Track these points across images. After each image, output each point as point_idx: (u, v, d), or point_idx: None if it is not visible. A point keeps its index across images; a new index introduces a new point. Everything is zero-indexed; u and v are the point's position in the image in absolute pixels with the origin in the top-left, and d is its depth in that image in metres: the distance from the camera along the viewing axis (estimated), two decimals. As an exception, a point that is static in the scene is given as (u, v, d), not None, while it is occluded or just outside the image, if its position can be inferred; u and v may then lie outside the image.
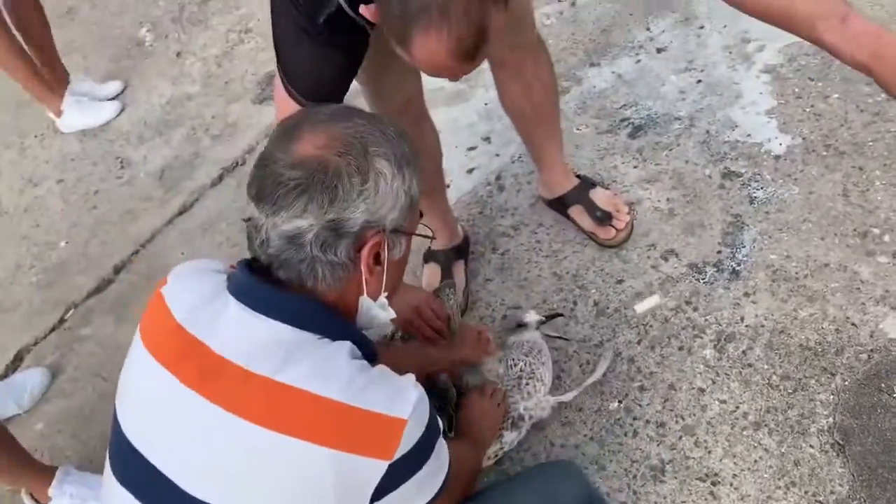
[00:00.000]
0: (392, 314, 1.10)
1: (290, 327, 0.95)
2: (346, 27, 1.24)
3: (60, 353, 2.32)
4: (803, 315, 1.69)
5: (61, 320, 2.45)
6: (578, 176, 2.05)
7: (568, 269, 1.95)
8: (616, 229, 1.93)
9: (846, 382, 1.56)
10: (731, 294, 1.77)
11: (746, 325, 1.71)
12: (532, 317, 1.71)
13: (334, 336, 0.98)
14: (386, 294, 1.07)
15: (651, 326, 1.77)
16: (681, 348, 1.72)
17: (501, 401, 1.59)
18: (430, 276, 2.00)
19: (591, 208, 1.96)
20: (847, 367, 1.58)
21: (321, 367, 0.93)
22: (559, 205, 2.03)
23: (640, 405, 1.66)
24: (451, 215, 2.04)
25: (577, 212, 1.99)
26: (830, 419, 1.52)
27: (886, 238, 1.76)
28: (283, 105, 1.35)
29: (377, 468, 0.90)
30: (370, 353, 1.03)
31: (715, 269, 1.82)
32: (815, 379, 1.58)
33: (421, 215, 1.11)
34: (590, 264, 1.94)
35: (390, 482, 0.92)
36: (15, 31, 2.93)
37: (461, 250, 2.03)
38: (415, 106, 1.74)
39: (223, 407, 0.92)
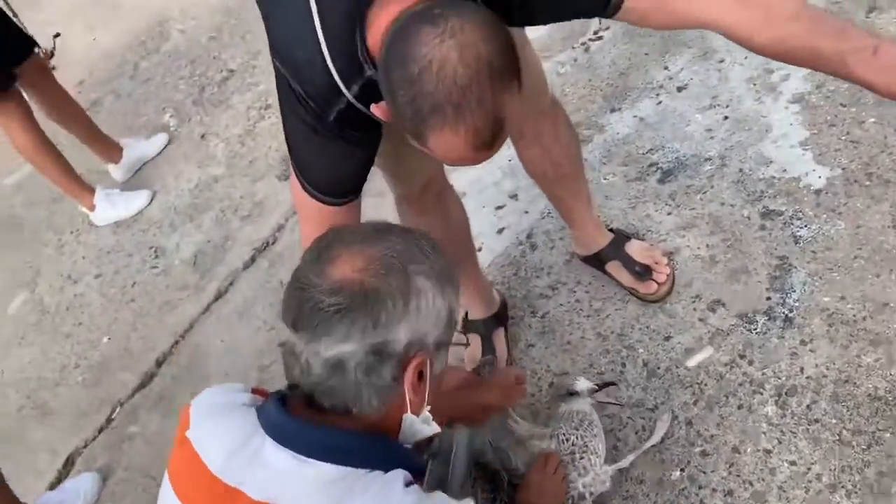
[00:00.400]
0: (436, 428, 1.07)
1: (336, 466, 0.92)
2: (358, 121, 1.22)
3: (110, 455, 2.32)
4: (868, 361, 1.60)
5: (108, 420, 2.45)
6: (612, 229, 1.99)
7: (612, 329, 1.88)
8: (657, 283, 1.87)
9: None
10: (787, 343, 1.69)
11: (807, 377, 1.62)
12: (583, 385, 1.64)
13: (383, 465, 0.95)
14: (429, 408, 1.04)
15: (706, 385, 1.70)
16: (740, 406, 1.64)
17: (563, 475, 1.52)
18: (471, 347, 1.95)
19: (629, 263, 1.91)
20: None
21: None
22: (595, 261, 1.97)
23: (703, 472, 1.58)
24: (485, 282, 2.00)
25: (614, 268, 1.93)
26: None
27: (947, 270, 1.67)
28: (301, 200, 1.33)
29: None
30: (418, 468, 1.01)
31: (766, 318, 1.75)
32: (890, 432, 1.49)
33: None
34: (634, 322, 1.87)
35: None
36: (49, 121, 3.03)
37: (500, 317, 1.98)
38: (436, 182, 1.71)
39: None
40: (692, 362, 1.74)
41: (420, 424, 1.03)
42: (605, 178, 2.24)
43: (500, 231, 2.29)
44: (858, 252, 1.77)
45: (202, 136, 3.38)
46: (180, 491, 0.97)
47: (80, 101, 3.78)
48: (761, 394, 1.64)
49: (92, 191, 3.14)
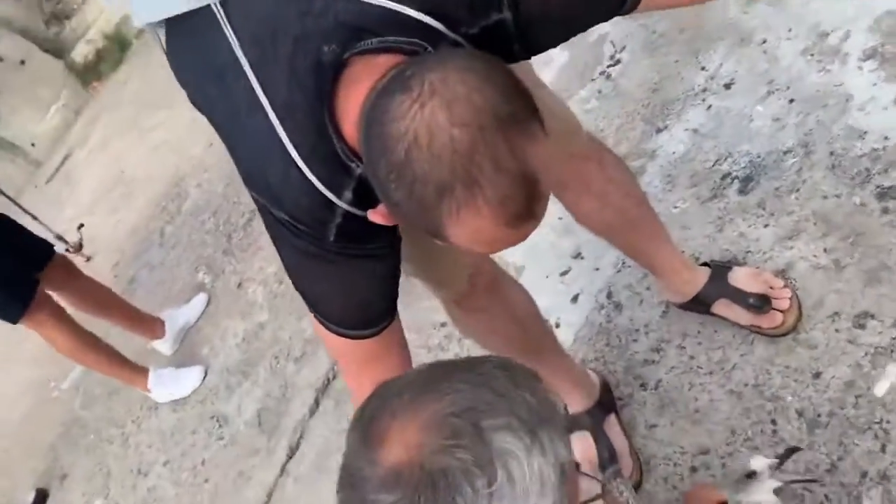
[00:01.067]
0: None
1: None
2: (365, 232, 0.98)
3: None
4: None
5: None
6: (706, 264, 1.67)
7: (745, 381, 1.54)
8: (781, 311, 1.53)
9: None
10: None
11: None
12: (761, 462, 1.27)
13: None
14: None
15: (889, 423, 1.33)
16: (946, 439, 1.27)
17: None
18: (583, 449, 1.62)
19: (740, 297, 1.57)
20: None
21: None
22: (699, 305, 1.64)
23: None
24: (576, 366, 1.69)
25: (723, 307, 1.60)
26: None
27: None
28: (328, 339, 1.09)
29: None
30: None
31: (935, 319, 1.39)
32: None
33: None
34: (769, 366, 1.52)
35: None
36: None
37: (605, 403, 1.66)
38: (485, 272, 1.43)
39: None
40: (880, 387, 1.35)
41: None
42: (675, 208, 1.93)
43: (575, 299, 1.98)
44: None
45: (238, 285, 3.21)
46: None
47: (118, 282, 3.74)
48: (967, 416, 1.27)
49: (145, 372, 2.99)
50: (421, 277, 1.36)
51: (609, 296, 1.91)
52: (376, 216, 0.91)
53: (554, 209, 2.13)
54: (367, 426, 0.73)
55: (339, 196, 0.94)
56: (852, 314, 1.48)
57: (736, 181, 1.86)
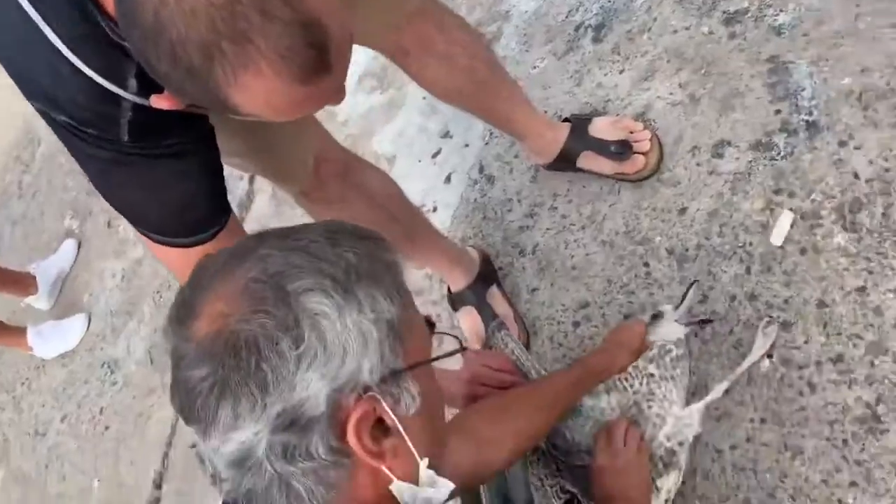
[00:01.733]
0: (449, 485, 0.72)
1: None
2: (164, 125, 0.87)
3: None
4: (930, 129, 1.24)
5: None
6: (567, 119, 1.62)
7: (616, 230, 1.52)
8: (642, 154, 1.50)
9: None
10: (824, 153, 1.33)
11: (867, 181, 1.27)
12: (665, 306, 1.29)
13: None
14: (426, 462, 0.69)
15: (750, 244, 1.34)
16: (804, 251, 1.28)
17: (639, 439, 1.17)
18: (469, 323, 1.60)
19: (602, 147, 1.54)
20: None
21: None
22: (564, 162, 1.60)
23: (796, 348, 1.23)
24: (453, 246, 1.64)
25: (588, 160, 1.57)
26: None
27: (973, -21, 1.30)
28: (156, 251, 1.00)
29: None
30: None
31: (786, 135, 1.38)
32: None
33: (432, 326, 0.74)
34: (637, 210, 1.51)
35: None
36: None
37: (487, 275, 1.62)
38: (333, 163, 1.33)
39: None
40: (776, 236, 1.34)
41: (425, 491, 0.70)
42: (534, 68, 1.87)
43: (448, 179, 1.92)
44: (857, 9, 1.40)
45: (108, 224, 3.00)
46: None
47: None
48: (821, 225, 1.28)
49: (23, 332, 2.80)
50: (258, 173, 1.26)
51: (481, 170, 1.85)
52: (160, 101, 0.80)
53: (417, 91, 2.07)
54: (182, 303, 0.66)
55: (122, 86, 0.83)
56: (710, 145, 1.47)
57: (590, 30, 1.80)
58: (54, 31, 0.80)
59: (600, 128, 1.56)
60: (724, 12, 1.57)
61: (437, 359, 0.73)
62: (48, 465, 2.60)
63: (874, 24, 1.36)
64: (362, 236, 0.70)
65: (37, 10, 0.79)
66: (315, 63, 0.70)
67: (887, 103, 1.29)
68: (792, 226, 1.30)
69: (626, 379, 1.22)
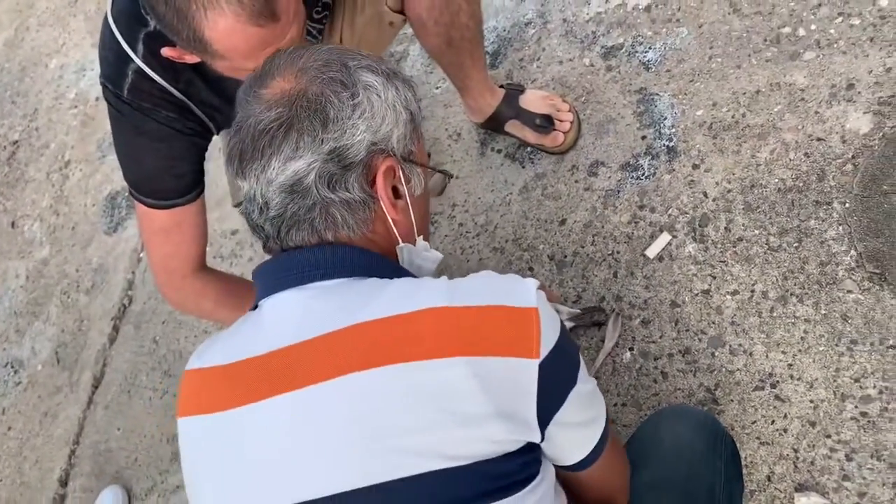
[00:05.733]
0: (438, 255, 0.95)
1: (348, 279, 0.79)
2: (156, 95, 1.18)
3: None
4: (764, 157, 1.46)
5: (35, 565, 2.14)
6: (502, 85, 1.76)
7: (506, 238, 1.70)
8: (563, 132, 1.66)
9: (847, 205, 1.35)
10: (680, 174, 1.54)
11: (713, 199, 1.48)
12: (562, 307, 1.47)
13: (398, 275, 0.82)
14: (421, 237, 0.91)
15: (618, 252, 1.54)
16: (661, 259, 1.49)
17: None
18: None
19: (528, 118, 1.69)
20: (838, 187, 1.37)
21: (408, 290, 0.77)
22: (494, 123, 1.75)
23: (652, 342, 1.43)
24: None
25: (514, 127, 1.72)
26: (853, 252, 1.31)
27: (801, 32, 1.53)
28: (144, 216, 1.30)
29: (527, 368, 0.72)
30: None
31: (650, 158, 1.59)
32: (814, 219, 1.37)
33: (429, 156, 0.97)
34: (524, 221, 1.69)
35: (550, 393, 0.74)
36: None
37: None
38: None
39: (311, 383, 0.73)
40: (652, 250, 1.53)
41: (420, 255, 0.91)
42: (436, 88, 2.02)
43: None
44: (710, 51, 1.62)
45: (13, 224, 2.98)
46: (192, 408, 0.82)
47: None
48: (676, 236, 1.49)
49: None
50: None
51: (386, 179, 1.99)
52: (168, 51, 1.06)
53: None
54: (255, 81, 0.84)
55: (133, 49, 1.14)
56: (587, 164, 1.66)
57: (487, 56, 1.97)
58: (113, 6, 1.15)
59: (530, 99, 1.70)
60: (602, 47, 1.78)
61: (434, 169, 0.96)
62: (-54, 467, 2.56)
63: (723, 65, 1.59)
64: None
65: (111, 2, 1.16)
66: (264, 8, 0.94)
67: (732, 133, 1.52)
68: (667, 245, 1.50)
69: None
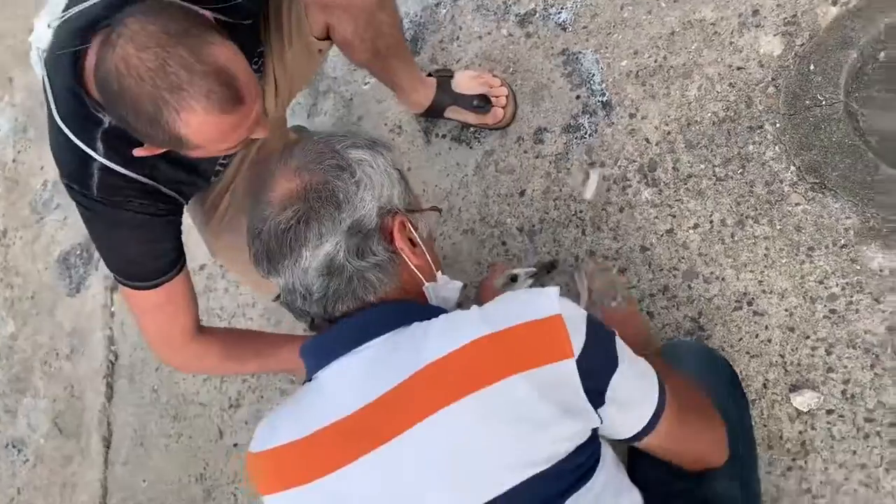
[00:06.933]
0: (459, 284, 1.08)
1: (394, 331, 0.90)
2: (123, 186, 1.21)
3: None
4: (693, 94, 1.57)
5: None
6: (430, 74, 1.81)
7: (472, 219, 1.78)
8: (501, 108, 1.73)
9: (777, 125, 1.47)
10: (620, 126, 1.64)
11: (656, 143, 1.59)
12: (519, 270, 1.57)
13: (433, 314, 0.93)
14: (440, 271, 1.04)
15: (581, 211, 1.64)
16: (622, 209, 1.59)
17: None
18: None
19: (465, 101, 1.75)
20: (766, 109, 1.48)
21: (449, 327, 0.88)
22: (434, 112, 1.81)
23: (633, 287, 1.55)
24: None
25: (454, 112, 1.78)
26: (792, 167, 1.44)
27: (699, -34, 1.62)
28: (134, 300, 1.34)
29: (568, 367, 0.84)
30: None
31: (588, 116, 1.68)
32: (751, 144, 1.49)
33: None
34: (486, 199, 1.77)
35: (595, 380, 0.86)
36: None
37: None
38: None
39: (397, 434, 0.84)
40: (588, 191, 1.64)
41: (445, 288, 1.04)
42: (366, 84, 2.06)
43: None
44: (621, 1, 1.70)
45: (-34, 307, 2.92)
46: (279, 483, 0.90)
47: None
48: (630, 185, 1.60)
49: None
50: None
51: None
52: (140, 151, 1.12)
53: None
54: (259, 190, 0.96)
55: (93, 147, 1.16)
56: (531, 133, 1.74)
57: (408, 45, 2.01)
58: (58, 111, 1.16)
59: (462, 82, 1.76)
60: (516, 15, 1.84)
61: (432, 208, 1.07)
62: (-24, 559, 2.58)
63: (635, 13, 1.67)
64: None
65: (54, 102, 1.17)
66: (231, 96, 1.01)
67: (658, 77, 1.61)
68: (600, 181, 1.61)
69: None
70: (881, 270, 1.33)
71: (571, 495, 0.83)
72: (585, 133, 1.67)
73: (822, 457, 1.32)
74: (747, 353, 1.41)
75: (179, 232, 1.35)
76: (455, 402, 0.81)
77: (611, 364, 0.89)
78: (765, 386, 1.39)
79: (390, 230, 0.95)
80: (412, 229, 0.98)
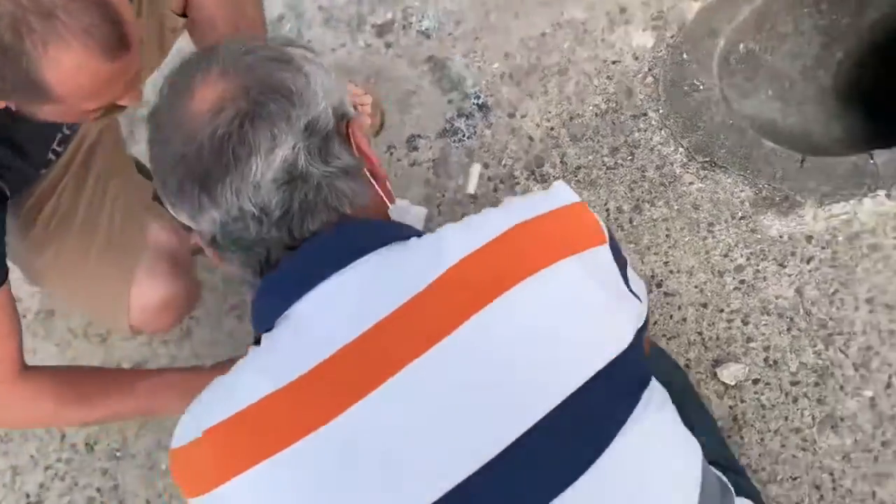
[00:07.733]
0: (423, 210, 1.01)
1: (381, 249, 0.70)
2: None
3: None
4: (571, 90, 1.56)
5: None
6: None
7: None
8: (369, 116, 1.59)
9: (660, 111, 1.49)
10: (500, 126, 1.58)
11: (540, 140, 1.54)
12: None
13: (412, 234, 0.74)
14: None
15: (468, 213, 1.53)
16: (512, 208, 1.51)
17: None
18: None
19: None
20: (647, 98, 1.51)
21: (466, 228, 0.71)
22: None
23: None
24: None
25: None
26: (681, 149, 1.46)
27: (559, -26, 1.66)
28: None
29: (605, 253, 0.73)
30: None
31: (464, 119, 1.61)
32: (637, 131, 1.49)
33: None
34: (358, 213, 1.61)
35: (622, 269, 0.75)
36: None
37: None
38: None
39: (420, 354, 0.64)
40: (471, 185, 1.53)
41: (408, 212, 0.93)
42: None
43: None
44: (485, 8, 1.68)
45: None
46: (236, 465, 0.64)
47: None
48: (518, 182, 1.53)
49: None
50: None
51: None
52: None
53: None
54: (165, 106, 0.72)
55: None
56: (403, 141, 1.63)
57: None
58: None
59: None
60: (373, 25, 1.75)
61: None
62: None
63: (502, 18, 1.66)
64: None
65: None
66: (115, 38, 0.80)
67: (533, 77, 1.59)
68: (481, 175, 1.53)
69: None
70: (781, 236, 1.36)
71: (641, 394, 0.69)
72: (463, 136, 1.59)
73: (756, 428, 1.27)
74: (664, 335, 1.36)
75: (2, 232, 1.04)
76: (500, 295, 0.64)
77: (623, 258, 0.80)
78: (688, 366, 1.33)
79: (346, 133, 0.74)
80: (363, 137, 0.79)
